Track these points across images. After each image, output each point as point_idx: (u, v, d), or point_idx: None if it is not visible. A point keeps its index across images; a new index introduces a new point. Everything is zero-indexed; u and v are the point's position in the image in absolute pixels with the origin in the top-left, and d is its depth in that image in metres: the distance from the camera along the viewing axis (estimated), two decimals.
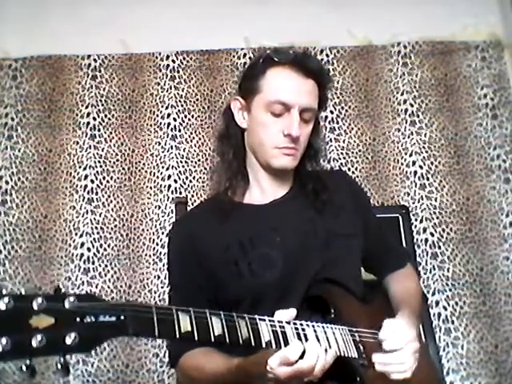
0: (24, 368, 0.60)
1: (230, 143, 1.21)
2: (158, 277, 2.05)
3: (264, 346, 0.84)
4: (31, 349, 0.60)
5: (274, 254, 1.12)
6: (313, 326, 0.94)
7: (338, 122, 2.24)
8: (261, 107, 1.14)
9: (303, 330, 0.91)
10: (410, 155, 2.21)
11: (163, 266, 2.06)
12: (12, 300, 0.60)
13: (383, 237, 1.37)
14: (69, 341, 0.62)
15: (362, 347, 1.02)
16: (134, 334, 0.71)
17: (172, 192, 2.14)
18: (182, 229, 1.22)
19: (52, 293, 0.65)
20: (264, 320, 0.87)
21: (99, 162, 2.17)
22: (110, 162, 2.18)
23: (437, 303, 2.05)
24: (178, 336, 0.75)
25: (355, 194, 1.31)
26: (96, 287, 2.03)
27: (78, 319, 0.64)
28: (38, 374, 1.93)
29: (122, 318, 0.68)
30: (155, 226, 2.11)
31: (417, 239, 2.09)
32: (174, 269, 1.22)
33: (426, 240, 2.12)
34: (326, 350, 0.90)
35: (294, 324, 0.91)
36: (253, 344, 0.83)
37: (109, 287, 2.03)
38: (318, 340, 0.92)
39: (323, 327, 0.96)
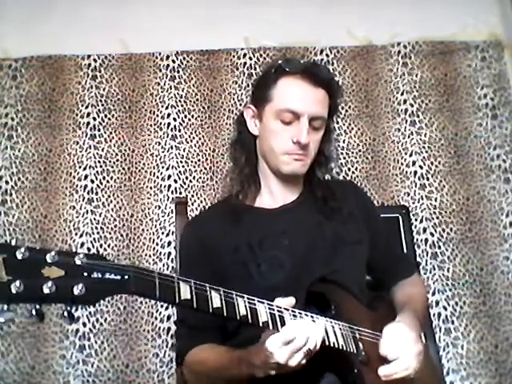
0: (34, 312, 0.66)
1: (242, 149, 1.27)
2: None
3: (261, 325, 0.88)
4: (42, 294, 0.65)
5: (282, 256, 1.15)
6: (311, 316, 0.95)
7: (338, 122, 2.24)
8: (272, 115, 1.19)
9: (301, 317, 0.94)
10: (410, 155, 2.21)
11: (163, 266, 2.06)
12: (28, 251, 0.66)
13: (391, 248, 1.40)
14: (76, 291, 0.68)
15: (361, 344, 1.02)
16: (135, 292, 0.76)
17: (172, 192, 2.14)
18: (193, 230, 1.27)
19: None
20: (263, 303, 0.90)
21: (99, 162, 2.17)
22: (109, 161, 2.18)
23: (437, 303, 2.05)
24: (177, 301, 0.80)
25: (364, 204, 1.34)
26: None
27: (85, 274, 0.70)
28: (38, 374, 1.94)
29: (126, 277, 0.74)
30: (155, 226, 2.11)
31: (417, 239, 2.09)
32: (182, 268, 1.27)
33: (426, 240, 2.12)
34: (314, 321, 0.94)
35: (293, 311, 0.93)
36: (250, 321, 0.87)
37: None
38: None
39: (321, 319, 0.97)
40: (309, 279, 1.09)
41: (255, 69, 2.27)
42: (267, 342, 0.88)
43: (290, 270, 1.13)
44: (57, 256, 0.68)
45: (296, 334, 0.88)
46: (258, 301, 0.89)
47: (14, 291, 0.63)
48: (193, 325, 1.15)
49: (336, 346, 0.95)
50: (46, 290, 0.65)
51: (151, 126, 2.23)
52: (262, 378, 0.93)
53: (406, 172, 2.20)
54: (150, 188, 2.16)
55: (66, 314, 0.69)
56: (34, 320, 0.64)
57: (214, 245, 1.19)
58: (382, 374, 0.99)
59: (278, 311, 0.91)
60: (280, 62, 1.21)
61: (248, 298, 0.88)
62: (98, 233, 2.09)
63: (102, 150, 2.18)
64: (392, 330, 1.05)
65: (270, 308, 0.90)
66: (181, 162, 2.18)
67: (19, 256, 0.65)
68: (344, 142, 2.23)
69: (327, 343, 0.94)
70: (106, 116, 2.22)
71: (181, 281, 0.81)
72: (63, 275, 0.67)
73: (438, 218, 2.15)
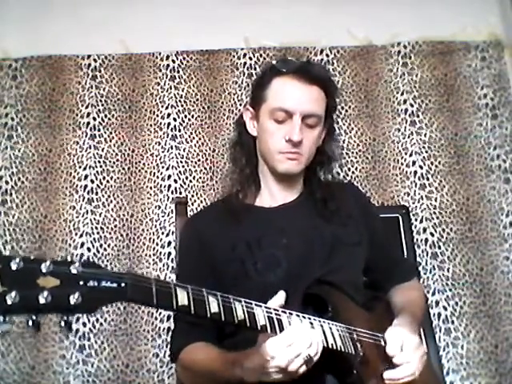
0: (30, 323, 0.65)
1: (242, 150, 1.28)
2: (159, 277, 2.05)
3: (259, 328, 0.87)
4: (38, 305, 0.64)
5: (279, 254, 1.15)
6: (309, 318, 0.95)
7: (337, 122, 2.24)
8: (266, 115, 1.20)
9: (300, 320, 0.93)
10: (410, 155, 2.21)
11: (163, 266, 2.06)
12: (22, 262, 0.65)
13: (390, 251, 1.40)
14: (72, 300, 0.66)
15: (359, 345, 1.02)
16: (132, 300, 0.76)
17: (172, 192, 2.14)
18: (191, 227, 1.28)
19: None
20: (260, 306, 0.89)
21: (99, 161, 2.17)
22: (110, 161, 2.18)
23: (437, 303, 2.05)
24: (175, 307, 0.78)
25: (363, 205, 1.35)
26: None
27: (81, 282, 0.68)
28: (38, 374, 1.94)
29: (123, 285, 0.73)
30: (155, 226, 2.11)
31: (417, 239, 2.09)
32: (180, 264, 1.28)
33: (426, 240, 2.12)
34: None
35: (291, 314, 0.92)
36: (248, 325, 0.86)
37: None
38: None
39: (319, 320, 0.97)
40: (306, 279, 1.09)
41: (255, 69, 2.27)
42: (267, 344, 0.87)
43: (286, 268, 1.13)
44: (52, 265, 0.67)
45: (298, 337, 0.87)
46: (256, 304, 0.89)
47: (9, 302, 0.62)
48: (189, 321, 1.14)
49: (334, 347, 0.95)
50: (41, 300, 0.64)
51: (151, 125, 2.23)
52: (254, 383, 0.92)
53: (406, 172, 2.20)
54: (150, 188, 2.16)
55: (62, 323, 0.67)
56: (30, 330, 0.63)
57: (211, 243, 1.19)
58: (388, 377, 0.99)
59: (276, 314, 0.90)
60: (275, 62, 1.23)
61: (245, 302, 0.87)
62: (97, 233, 2.09)
63: (102, 150, 2.18)
64: (396, 334, 1.05)
65: (267, 311, 0.89)
66: (181, 162, 2.18)
67: (14, 266, 0.64)
68: (344, 142, 2.23)
69: (325, 345, 0.93)
70: (105, 116, 2.22)
71: (178, 287, 0.80)
72: (59, 285, 0.66)
73: (438, 218, 2.15)
